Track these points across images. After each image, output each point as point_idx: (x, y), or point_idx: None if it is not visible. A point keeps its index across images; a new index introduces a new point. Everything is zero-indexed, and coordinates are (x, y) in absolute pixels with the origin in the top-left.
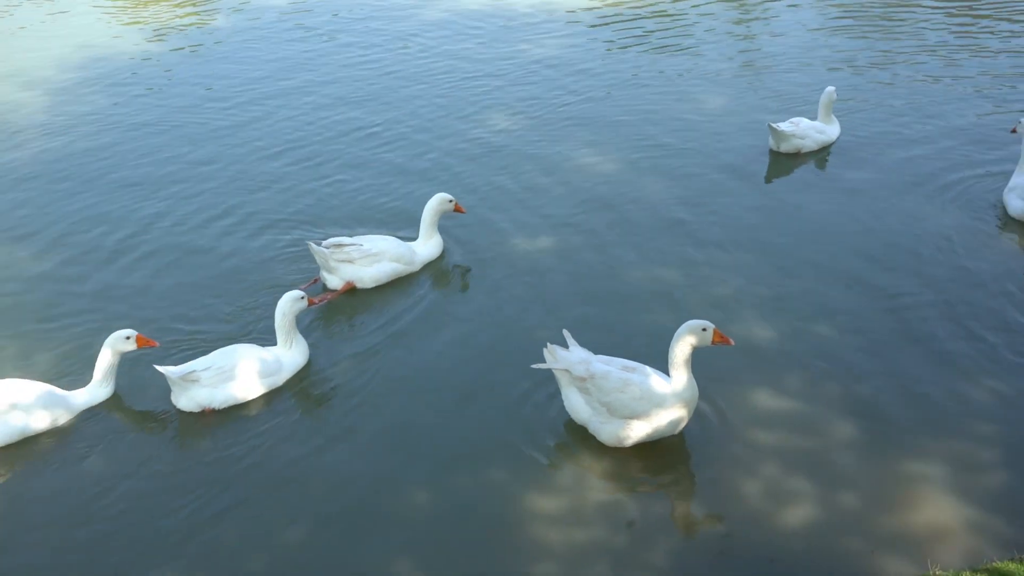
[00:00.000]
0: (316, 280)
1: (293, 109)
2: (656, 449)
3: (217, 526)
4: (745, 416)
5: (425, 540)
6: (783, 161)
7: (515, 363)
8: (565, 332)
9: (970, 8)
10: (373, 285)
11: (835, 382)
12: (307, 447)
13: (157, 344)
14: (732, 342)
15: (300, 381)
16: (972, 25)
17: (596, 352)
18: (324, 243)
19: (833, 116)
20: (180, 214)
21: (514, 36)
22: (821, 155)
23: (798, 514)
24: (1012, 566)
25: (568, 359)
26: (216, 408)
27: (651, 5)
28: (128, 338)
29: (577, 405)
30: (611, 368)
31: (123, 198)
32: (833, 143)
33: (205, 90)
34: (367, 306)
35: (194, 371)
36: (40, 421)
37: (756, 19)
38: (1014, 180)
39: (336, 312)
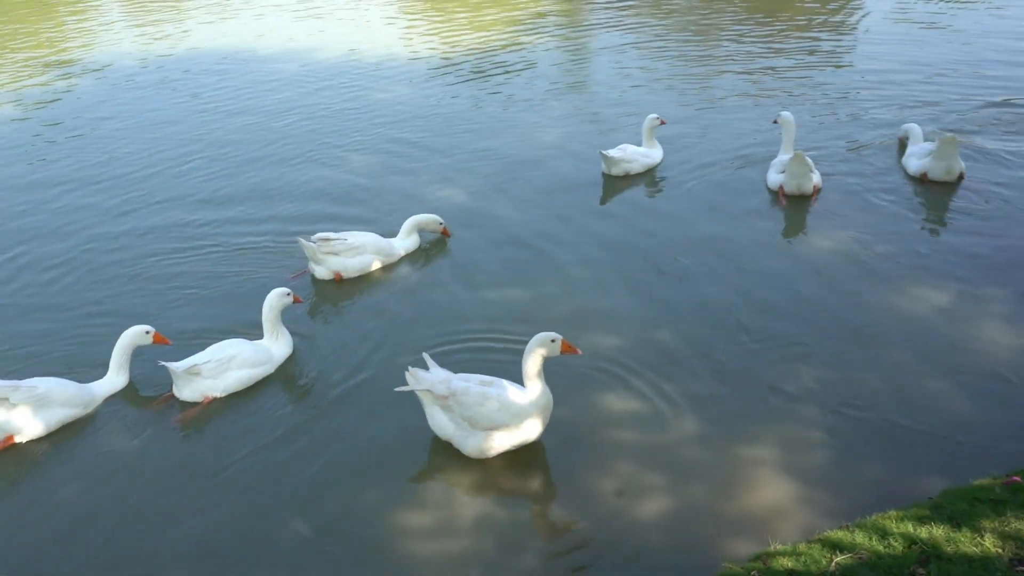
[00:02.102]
0: (304, 271)
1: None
2: (518, 457)
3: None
4: (598, 419)
5: (298, 563)
6: (615, 183)
7: (379, 386)
8: (425, 355)
9: (760, 28)
10: (357, 275)
11: (674, 382)
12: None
13: (170, 343)
14: (580, 352)
15: (285, 369)
16: (767, 49)
17: (456, 371)
18: (313, 237)
19: (656, 140)
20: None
21: (368, 84)
22: (648, 176)
23: (652, 507)
24: (840, 533)
25: (429, 379)
26: (215, 396)
27: (486, 49)
28: (148, 332)
29: (441, 422)
30: (470, 384)
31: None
32: (658, 164)
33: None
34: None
35: (196, 365)
36: (75, 411)
37: (585, 55)
38: (775, 159)
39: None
